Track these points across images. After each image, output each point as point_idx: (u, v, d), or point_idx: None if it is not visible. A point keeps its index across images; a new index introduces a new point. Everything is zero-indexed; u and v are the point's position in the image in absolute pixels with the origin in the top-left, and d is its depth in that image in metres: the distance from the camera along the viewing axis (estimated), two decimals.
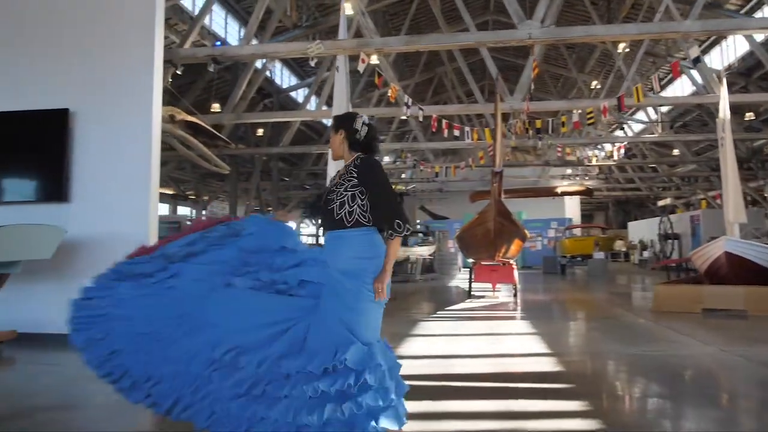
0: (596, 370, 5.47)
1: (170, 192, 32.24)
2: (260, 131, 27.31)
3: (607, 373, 5.48)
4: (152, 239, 6.94)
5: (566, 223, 26.53)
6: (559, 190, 23.72)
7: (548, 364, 5.56)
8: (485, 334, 7.53)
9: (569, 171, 28.95)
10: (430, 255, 19.73)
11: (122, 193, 6.92)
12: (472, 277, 12.62)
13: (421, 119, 13.89)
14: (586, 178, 28.17)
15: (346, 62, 12.49)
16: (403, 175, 33.97)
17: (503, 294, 12.92)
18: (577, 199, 30.66)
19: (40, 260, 6.43)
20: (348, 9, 15.23)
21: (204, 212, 36.04)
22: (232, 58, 11.86)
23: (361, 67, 11.42)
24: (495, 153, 10.72)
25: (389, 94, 12.49)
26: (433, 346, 6.67)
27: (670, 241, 23.96)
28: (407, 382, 4.77)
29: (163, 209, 32.84)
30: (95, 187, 7.01)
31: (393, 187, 3.30)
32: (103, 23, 7.18)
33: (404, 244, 21.38)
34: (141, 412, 3.99)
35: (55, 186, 7.00)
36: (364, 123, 3.29)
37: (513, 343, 6.86)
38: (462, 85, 26.41)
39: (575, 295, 13.48)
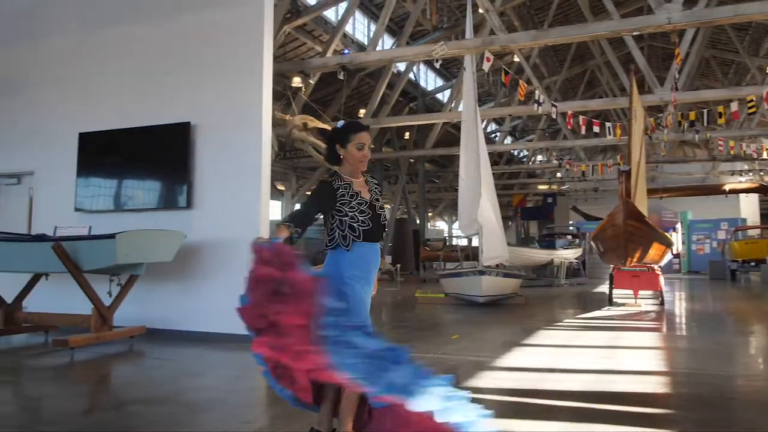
0: (710, 396, 4.79)
1: None
2: (407, 134, 27.70)
3: (723, 399, 4.77)
4: None
5: (739, 224, 23.90)
6: (726, 188, 21.38)
7: (656, 385, 5.01)
8: (602, 346, 6.96)
9: (746, 166, 26.08)
10: (576, 258, 18.76)
11: (236, 201, 7.30)
12: (612, 283, 11.77)
13: (554, 116, 13.23)
14: (761, 173, 25.16)
15: (473, 61, 12.28)
16: (558, 174, 32.71)
17: (649, 302, 11.91)
18: (755, 197, 27.52)
19: (164, 263, 7.00)
20: (488, 7, 14.96)
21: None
22: (359, 64, 12.10)
23: (486, 66, 11.14)
24: (629, 150, 9.91)
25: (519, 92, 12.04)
26: (536, 357, 6.29)
27: None
28: (490, 397, 4.57)
29: None
30: (213, 194, 7.48)
31: None
32: (217, 44, 7.64)
33: (550, 247, 20.62)
34: (216, 413, 4.18)
35: (180, 194, 7.56)
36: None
37: (628, 359, 6.27)
38: (614, 78, 24.83)
39: (735, 305, 12.10)
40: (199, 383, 5.20)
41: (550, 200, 33.90)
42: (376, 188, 3.22)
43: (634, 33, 10.32)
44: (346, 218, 3.04)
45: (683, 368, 5.96)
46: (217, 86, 7.53)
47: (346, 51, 15.68)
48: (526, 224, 41.43)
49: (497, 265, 11.98)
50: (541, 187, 36.38)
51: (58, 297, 7.38)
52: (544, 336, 7.77)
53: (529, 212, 38.11)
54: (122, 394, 5.07)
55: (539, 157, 35.11)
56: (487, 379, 5.18)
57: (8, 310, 7.14)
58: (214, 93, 7.54)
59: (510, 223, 47.20)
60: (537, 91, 12.45)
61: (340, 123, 3.22)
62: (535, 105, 12.24)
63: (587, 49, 25.20)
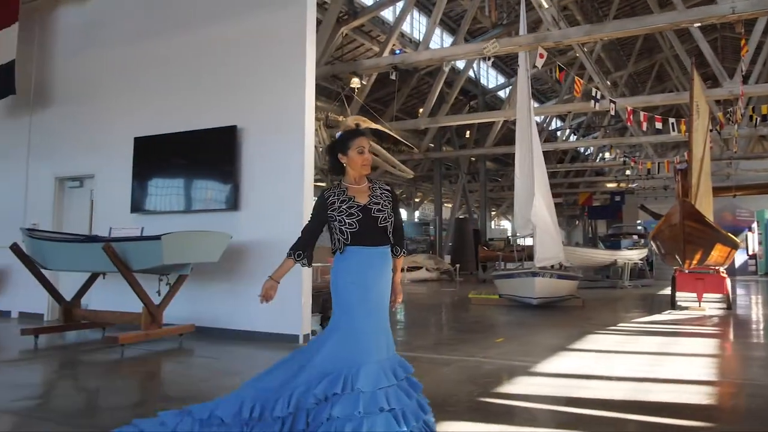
0: (758, 408, 4.50)
1: None
2: (468, 133, 27.45)
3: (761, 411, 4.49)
4: None
5: None
6: None
7: (700, 396, 4.75)
8: (652, 352, 6.68)
9: None
10: (640, 259, 18.10)
11: (280, 202, 7.43)
12: (674, 285, 11.28)
13: (613, 113, 12.80)
14: None
15: (527, 58, 12.04)
16: (628, 172, 31.66)
17: (716, 305, 11.34)
18: None
19: (213, 263, 7.18)
20: (543, 2, 14.63)
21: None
22: (411, 64, 12.08)
23: (539, 63, 10.93)
24: (690, 147, 9.46)
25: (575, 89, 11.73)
26: (579, 363, 6.10)
27: None
28: (522, 404, 4.46)
29: None
30: (258, 196, 7.64)
31: None
32: (262, 51, 7.79)
33: (615, 247, 19.97)
34: None
35: (228, 195, 7.75)
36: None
37: (678, 366, 6.00)
38: (684, 72, 23.79)
39: None
40: (234, 382, 5.27)
41: (617, 199, 32.83)
42: (382, 194, 3.23)
43: (696, 24, 9.88)
44: (335, 223, 3.13)
45: (737, 378, 5.66)
46: (262, 91, 7.67)
47: (398, 51, 15.67)
48: (594, 223, 40.36)
49: (560, 266, 11.70)
50: (609, 185, 35.33)
51: (119, 295, 7.65)
52: (592, 340, 7.54)
53: (596, 211, 37.09)
54: (156, 391, 5.25)
55: (607, 155, 34.09)
56: (522, 385, 5.06)
57: (67, 307, 7.50)
58: (258, 97, 7.69)
59: (577, 222, 46.09)
60: (594, 87, 12.08)
61: (338, 134, 3.30)
62: (592, 101, 11.88)
63: (655, 42, 24.32)
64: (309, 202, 7.44)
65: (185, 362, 6.39)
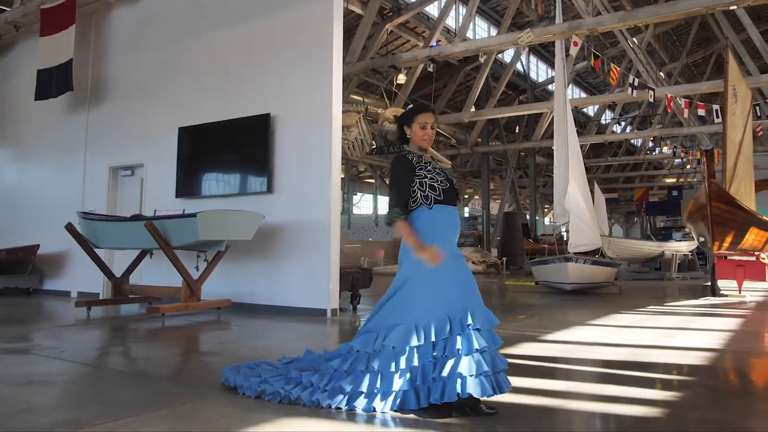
0: (742, 368, 4.66)
1: None
2: (517, 128, 27.43)
3: (748, 372, 4.61)
4: (333, 226, 7.75)
5: None
6: None
7: (693, 359, 4.89)
8: (667, 327, 6.79)
9: None
10: (690, 251, 17.74)
11: (308, 186, 7.90)
12: (714, 272, 11.14)
13: (652, 100, 12.71)
14: None
15: (562, 47, 12.12)
16: (689, 166, 30.81)
17: (757, 293, 11.14)
18: None
19: (247, 241, 7.69)
20: None
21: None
22: (447, 56, 12.34)
23: (573, 51, 11.03)
24: (725, 131, 9.39)
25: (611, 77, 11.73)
26: (589, 334, 6.28)
27: None
28: (514, 361, 4.73)
29: None
30: (289, 180, 8.13)
31: None
32: (293, 43, 8.30)
33: (666, 239, 19.57)
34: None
35: (262, 180, 8.26)
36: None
37: (685, 338, 6.10)
38: (740, 61, 23.09)
39: None
40: (255, 343, 5.77)
41: (675, 194, 32.02)
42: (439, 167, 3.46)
43: (731, 7, 9.79)
44: (426, 180, 3.28)
45: (740, 347, 5.71)
46: (293, 81, 8.18)
47: (434, 44, 15.96)
48: (653, 219, 39.43)
49: (600, 254, 11.72)
50: (667, 180, 34.46)
51: (167, 273, 8.23)
52: (614, 319, 7.66)
53: (654, 207, 36.29)
54: (187, 347, 5.76)
55: (665, 149, 33.21)
56: (522, 349, 5.30)
57: (116, 282, 8.18)
58: (289, 87, 8.21)
59: (635, 219, 45.04)
60: (633, 76, 12.05)
61: (408, 107, 3.54)
62: (630, 89, 11.87)
63: (712, 31, 23.72)
64: (336, 186, 7.87)
65: (217, 329, 6.89)
